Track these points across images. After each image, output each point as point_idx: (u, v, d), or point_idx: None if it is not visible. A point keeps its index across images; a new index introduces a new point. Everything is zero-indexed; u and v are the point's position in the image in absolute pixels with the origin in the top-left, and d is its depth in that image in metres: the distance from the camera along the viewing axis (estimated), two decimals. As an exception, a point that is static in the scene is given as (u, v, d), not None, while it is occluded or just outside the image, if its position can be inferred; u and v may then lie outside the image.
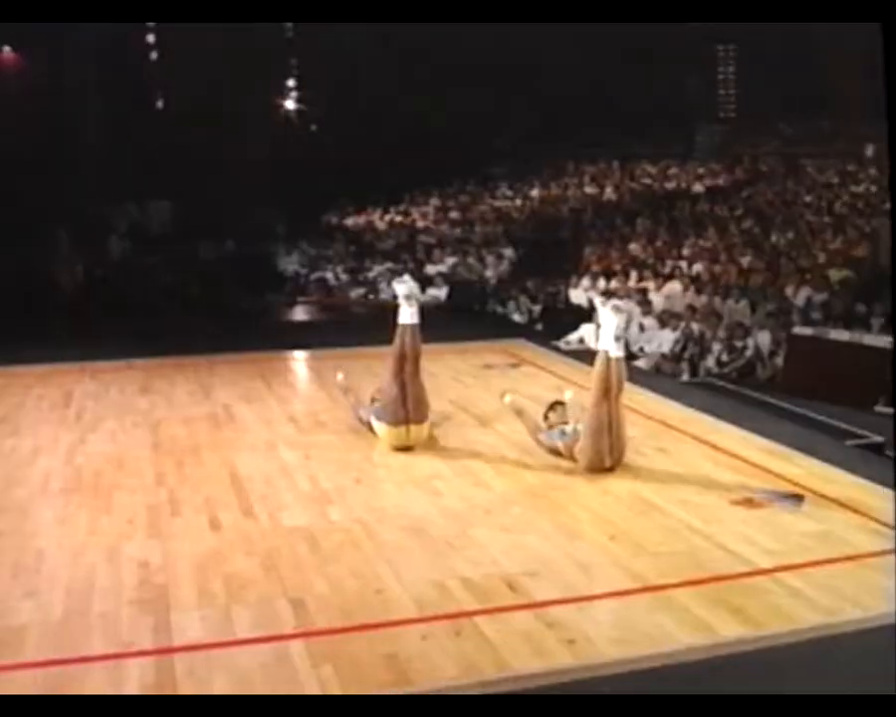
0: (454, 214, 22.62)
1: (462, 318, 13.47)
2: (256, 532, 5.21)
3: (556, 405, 6.91)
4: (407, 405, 6.65)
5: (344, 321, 14.34)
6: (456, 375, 9.22)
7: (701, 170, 26.39)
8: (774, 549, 5.03)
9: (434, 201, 23.52)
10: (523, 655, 3.90)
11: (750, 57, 29.69)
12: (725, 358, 12.68)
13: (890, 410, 10.55)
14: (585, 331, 11.32)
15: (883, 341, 11.35)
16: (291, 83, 24.23)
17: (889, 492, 5.86)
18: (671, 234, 19.63)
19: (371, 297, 15.73)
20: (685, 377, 12.16)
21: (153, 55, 20.76)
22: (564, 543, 5.09)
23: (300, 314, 15.17)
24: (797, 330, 12.17)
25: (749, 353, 12.62)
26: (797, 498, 5.84)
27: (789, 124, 28.55)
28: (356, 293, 16.03)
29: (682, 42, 25.45)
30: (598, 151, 26.87)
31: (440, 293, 15.80)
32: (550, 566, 4.79)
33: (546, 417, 6.86)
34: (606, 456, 6.24)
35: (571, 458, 6.41)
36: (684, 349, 12.70)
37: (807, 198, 22.93)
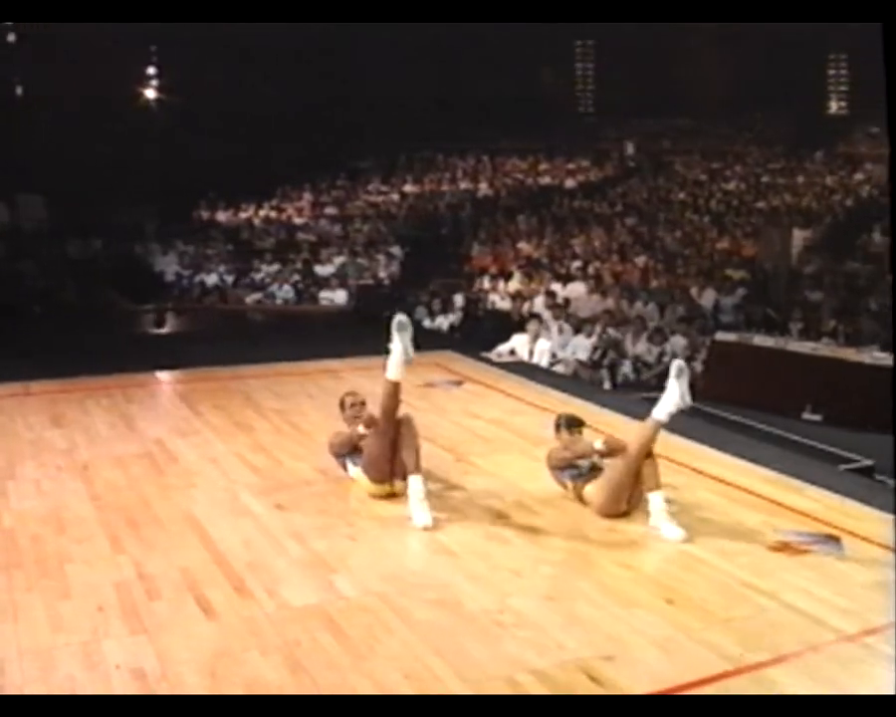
0: (330, 210, 21.76)
1: (372, 326, 12.59)
2: (261, 617, 4.29)
3: (572, 427, 6.01)
4: (394, 462, 5.83)
5: (243, 329, 13.18)
6: (402, 396, 8.38)
7: (571, 166, 26.31)
8: (845, 607, 4.53)
9: (307, 196, 22.58)
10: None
11: (607, 53, 29.86)
12: (643, 363, 12.40)
13: (817, 417, 10.46)
14: (517, 341, 10.72)
15: (807, 347, 11.23)
16: (151, 71, 22.68)
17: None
18: (558, 232, 19.35)
19: (268, 302, 14.70)
20: (606, 385, 11.82)
21: (11, 36, 18.93)
22: (623, 612, 4.43)
23: (193, 322, 13.80)
24: (720, 335, 11.94)
25: (667, 358, 12.35)
26: (834, 540, 5.38)
27: (649, 121, 28.76)
28: (252, 298, 14.96)
29: (539, 37, 25.15)
30: (464, 146, 26.43)
31: (335, 296, 14.94)
32: (622, 645, 4.13)
33: (559, 434, 6.04)
34: (624, 504, 5.65)
35: (578, 499, 5.78)
36: (603, 355, 12.32)
37: (681, 196, 23.16)
